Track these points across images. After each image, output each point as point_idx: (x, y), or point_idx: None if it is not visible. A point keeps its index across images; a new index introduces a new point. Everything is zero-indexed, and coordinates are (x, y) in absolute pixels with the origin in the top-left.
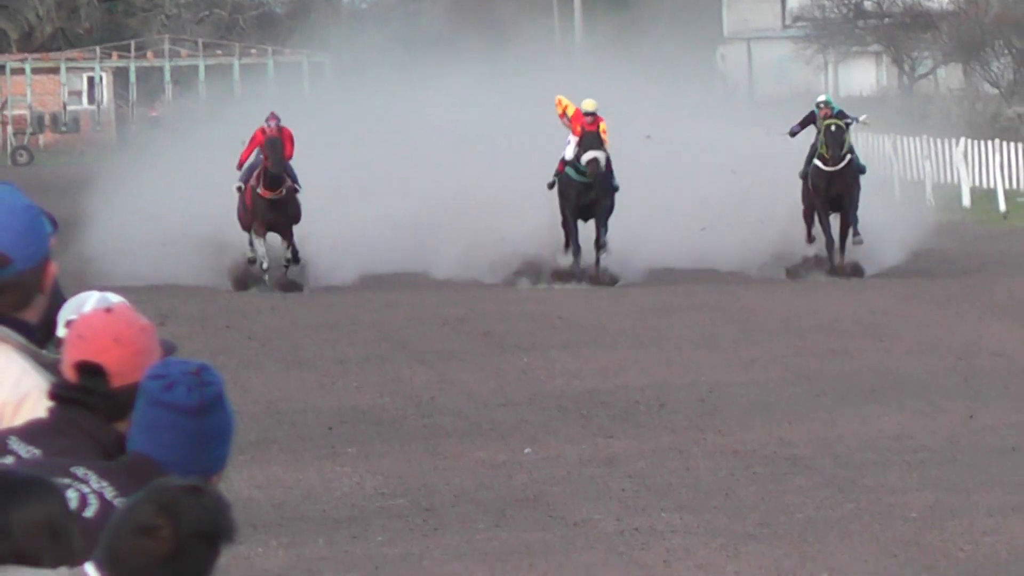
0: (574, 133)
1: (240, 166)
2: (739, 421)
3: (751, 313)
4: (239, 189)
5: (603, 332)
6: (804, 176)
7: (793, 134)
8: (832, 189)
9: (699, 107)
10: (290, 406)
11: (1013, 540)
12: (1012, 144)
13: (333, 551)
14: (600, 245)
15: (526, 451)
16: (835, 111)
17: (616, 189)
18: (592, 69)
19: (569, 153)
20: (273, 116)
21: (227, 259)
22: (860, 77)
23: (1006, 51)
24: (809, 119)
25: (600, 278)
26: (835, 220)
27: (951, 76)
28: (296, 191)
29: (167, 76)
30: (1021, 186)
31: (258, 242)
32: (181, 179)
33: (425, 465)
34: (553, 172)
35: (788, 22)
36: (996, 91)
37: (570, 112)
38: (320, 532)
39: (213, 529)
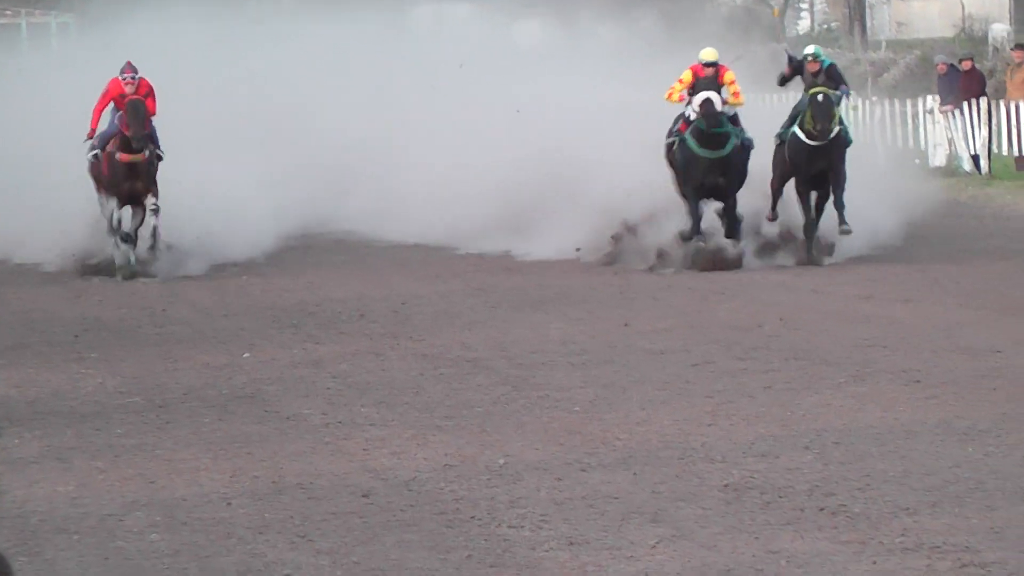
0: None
1: (94, 122)
2: (427, 328)
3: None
4: (95, 157)
5: (309, 252)
6: (781, 142)
7: (782, 82)
8: (814, 166)
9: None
10: (42, 316)
11: (662, 429)
12: None
13: (80, 441)
14: (734, 231)
15: (245, 355)
16: (824, 64)
17: (750, 149)
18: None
19: (692, 112)
20: (129, 67)
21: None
22: (528, 32)
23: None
24: (797, 68)
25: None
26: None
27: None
28: (159, 157)
29: None
30: None
31: (116, 212)
32: None
33: (158, 367)
34: (668, 132)
35: None
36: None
37: (687, 78)
38: (69, 425)
39: None
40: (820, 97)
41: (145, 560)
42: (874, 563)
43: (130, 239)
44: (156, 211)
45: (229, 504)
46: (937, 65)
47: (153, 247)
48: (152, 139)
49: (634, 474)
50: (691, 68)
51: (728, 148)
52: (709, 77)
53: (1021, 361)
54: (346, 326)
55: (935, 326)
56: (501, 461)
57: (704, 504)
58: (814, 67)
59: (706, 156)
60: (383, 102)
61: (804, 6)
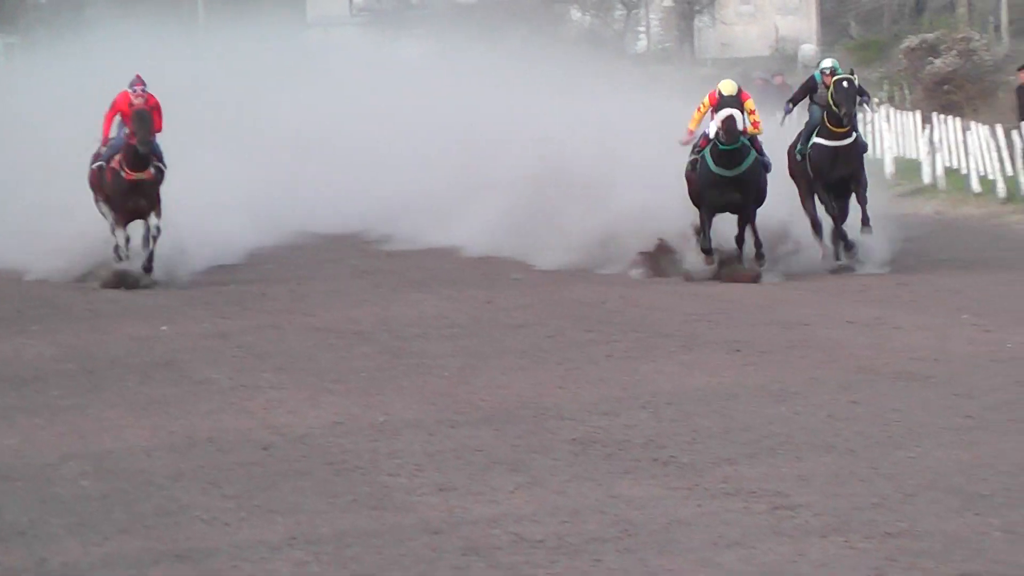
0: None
1: (106, 132)
2: (320, 305)
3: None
4: (99, 168)
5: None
6: (802, 155)
7: (787, 112)
8: (837, 171)
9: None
10: None
11: (519, 392)
12: None
13: (22, 401)
14: (744, 243)
15: (163, 328)
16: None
17: (768, 169)
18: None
19: (712, 130)
20: (139, 81)
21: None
22: (408, 55)
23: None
24: (809, 86)
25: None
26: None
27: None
28: (163, 172)
29: None
30: None
31: (119, 230)
32: None
33: (89, 339)
34: (691, 149)
35: (354, 12)
36: None
37: (707, 103)
38: (12, 388)
39: None
40: (845, 83)
41: (77, 504)
42: (699, 506)
43: (127, 258)
44: (157, 235)
45: (149, 456)
46: (754, 80)
47: (149, 265)
48: (156, 154)
49: (495, 430)
50: (709, 95)
51: (745, 166)
52: (733, 96)
53: (825, 332)
54: (250, 303)
55: (754, 303)
56: (382, 419)
57: (555, 456)
58: (828, 79)
59: (721, 174)
60: (287, 112)
61: (642, 28)
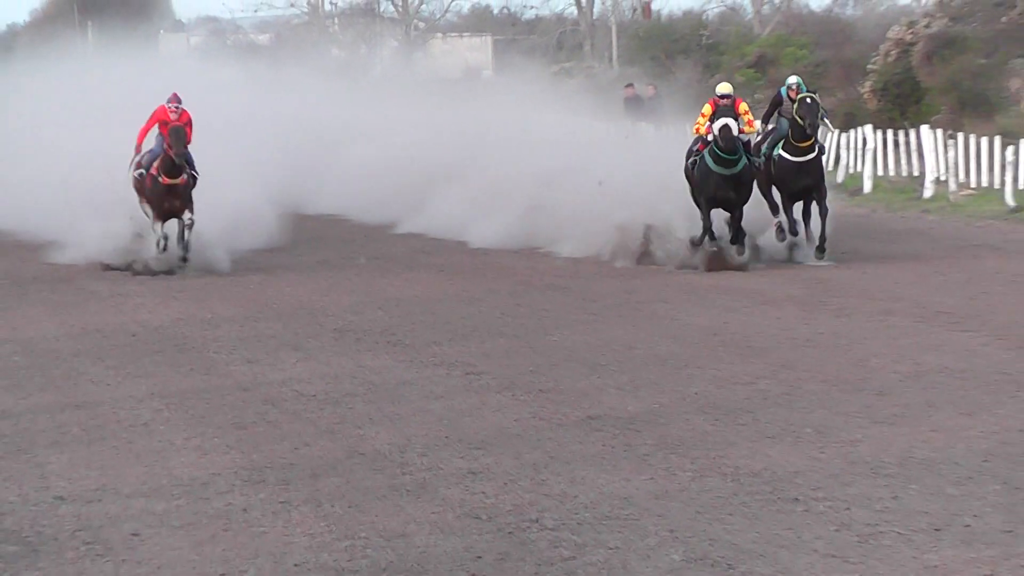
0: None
1: (140, 141)
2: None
3: None
4: (140, 175)
5: None
6: (767, 159)
7: (766, 120)
8: (799, 182)
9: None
10: None
11: (299, 297)
12: None
13: None
14: (736, 241)
15: (63, 260)
16: (803, 91)
17: (758, 168)
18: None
19: (711, 135)
20: (175, 98)
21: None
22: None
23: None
24: (776, 101)
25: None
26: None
27: None
28: (195, 178)
29: None
30: None
31: (157, 225)
32: None
33: (18, 266)
34: (688, 153)
35: (191, 49)
36: None
37: (707, 111)
38: None
39: None
40: (808, 100)
41: (11, 371)
42: (417, 372)
43: (166, 250)
44: (191, 225)
45: (58, 340)
46: (625, 90)
47: (185, 255)
48: (189, 163)
49: (283, 323)
50: (710, 101)
51: (739, 167)
52: (727, 106)
53: (498, 259)
54: None
55: (454, 243)
56: (209, 316)
57: (322, 339)
58: (794, 94)
59: (720, 172)
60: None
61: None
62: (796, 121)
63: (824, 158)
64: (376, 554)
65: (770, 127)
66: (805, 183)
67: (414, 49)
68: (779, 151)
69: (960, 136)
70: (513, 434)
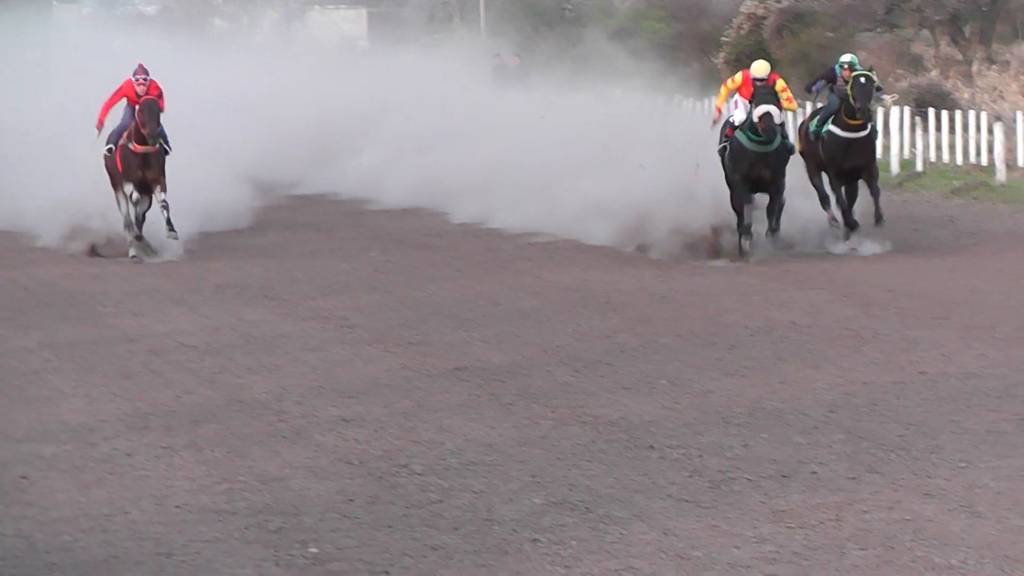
0: (743, 96)
1: (103, 115)
2: None
3: None
4: (109, 151)
5: None
6: (815, 136)
7: (809, 89)
8: (849, 161)
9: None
10: None
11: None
12: None
13: None
14: (774, 229)
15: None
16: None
17: (791, 152)
18: None
19: (739, 117)
20: (141, 69)
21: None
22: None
23: None
24: (829, 76)
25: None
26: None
27: None
28: (167, 151)
29: None
30: None
31: (128, 204)
32: None
33: None
34: (719, 139)
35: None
36: None
37: (738, 80)
38: None
39: None
40: (863, 79)
41: None
42: (294, 325)
43: (142, 237)
44: (166, 206)
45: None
46: (494, 58)
47: (172, 230)
48: (162, 135)
49: (169, 279)
50: (742, 73)
51: (775, 145)
52: (767, 90)
53: (373, 220)
54: None
55: (338, 209)
56: (97, 271)
57: (204, 294)
58: (847, 73)
59: (755, 150)
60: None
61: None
62: (848, 100)
63: (877, 137)
64: (254, 497)
65: (819, 105)
66: (855, 162)
67: (292, 20)
68: (829, 126)
69: (808, 105)
70: (384, 384)
